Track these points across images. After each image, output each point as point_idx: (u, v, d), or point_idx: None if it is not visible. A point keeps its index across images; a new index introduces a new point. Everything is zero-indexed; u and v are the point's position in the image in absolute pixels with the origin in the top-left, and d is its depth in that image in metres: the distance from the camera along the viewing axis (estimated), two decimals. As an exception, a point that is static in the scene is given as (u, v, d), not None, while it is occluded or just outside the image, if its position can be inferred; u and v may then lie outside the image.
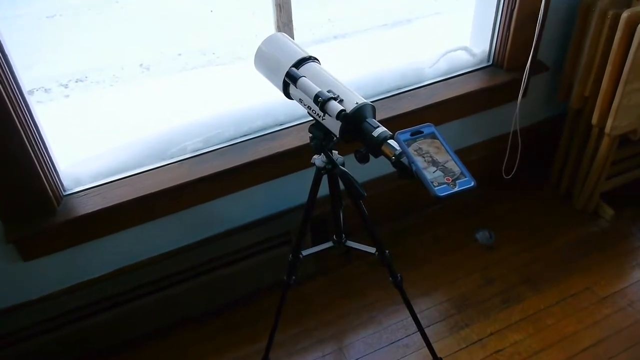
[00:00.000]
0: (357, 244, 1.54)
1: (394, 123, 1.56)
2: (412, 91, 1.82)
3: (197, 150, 1.62)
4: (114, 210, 1.47)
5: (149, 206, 1.54)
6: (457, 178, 0.95)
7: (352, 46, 2.41)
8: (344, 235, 1.54)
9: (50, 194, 1.42)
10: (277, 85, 1.22)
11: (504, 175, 2.05)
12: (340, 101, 1.09)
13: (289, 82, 1.14)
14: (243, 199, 1.70)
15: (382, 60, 1.89)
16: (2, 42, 1.23)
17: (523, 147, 1.98)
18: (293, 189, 1.78)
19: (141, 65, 2.95)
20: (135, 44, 3.14)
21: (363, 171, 1.53)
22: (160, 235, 1.66)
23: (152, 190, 1.50)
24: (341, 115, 1.04)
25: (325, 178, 1.32)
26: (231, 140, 1.65)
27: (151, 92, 1.85)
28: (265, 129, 1.68)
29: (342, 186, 1.27)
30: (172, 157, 1.60)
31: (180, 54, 3.04)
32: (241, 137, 1.66)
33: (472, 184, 0.94)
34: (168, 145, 1.60)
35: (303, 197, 1.40)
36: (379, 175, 1.94)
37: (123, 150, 1.58)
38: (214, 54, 3.07)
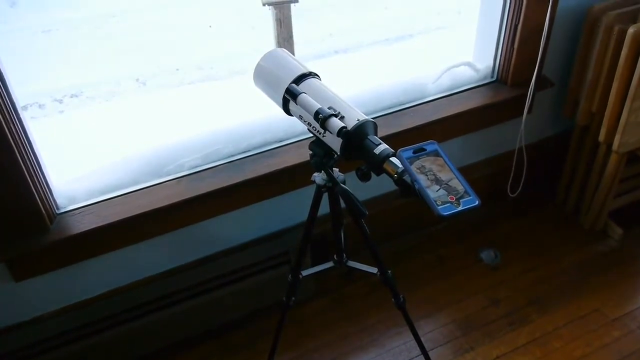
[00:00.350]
0: (358, 264, 1.50)
1: (396, 140, 1.54)
2: (414, 107, 1.80)
3: (195, 167, 1.59)
4: (109, 229, 1.44)
5: (145, 225, 1.51)
6: (461, 197, 0.93)
7: (353, 61, 2.39)
8: (344, 255, 1.50)
9: (44, 212, 1.39)
10: (276, 102, 1.20)
11: (509, 193, 2.01)
12: (341, 118, 1.07)
13: (289, 99, 1.12)
14: (241, 217, 1.67)
15: (383, 75, 1.87)
16: (-5, 56, 1.21)
17: (528, 165, 1.95)
18: (293, 208, 1.74)
19: (137, 80, 2.94)
20: (132, 59, 3.13)
21: (364, 189, 1.51)
22: (157, 254, 1.62)
23: (148, 209, 1.47)
24: (342, 132, 1.02)
25: (325, 196, 1.29)
26: (230, 157, 1.62)
27: (148, 107, 1.83)
28: (264, 145, 1.65)
29: (343, 204, 1.24)
30: (169, 174, 1.57)
31: (178, 69, 3.03)
32: (240, 153, 1.63)
33: (477, 202, 0.92)
34: (165, 162, 1.57)
35: (303, 216, 1.37)
36: (380, 194, 1.91)
37: (119, 167, 1.55)
38: (212, 68, 3.05)
